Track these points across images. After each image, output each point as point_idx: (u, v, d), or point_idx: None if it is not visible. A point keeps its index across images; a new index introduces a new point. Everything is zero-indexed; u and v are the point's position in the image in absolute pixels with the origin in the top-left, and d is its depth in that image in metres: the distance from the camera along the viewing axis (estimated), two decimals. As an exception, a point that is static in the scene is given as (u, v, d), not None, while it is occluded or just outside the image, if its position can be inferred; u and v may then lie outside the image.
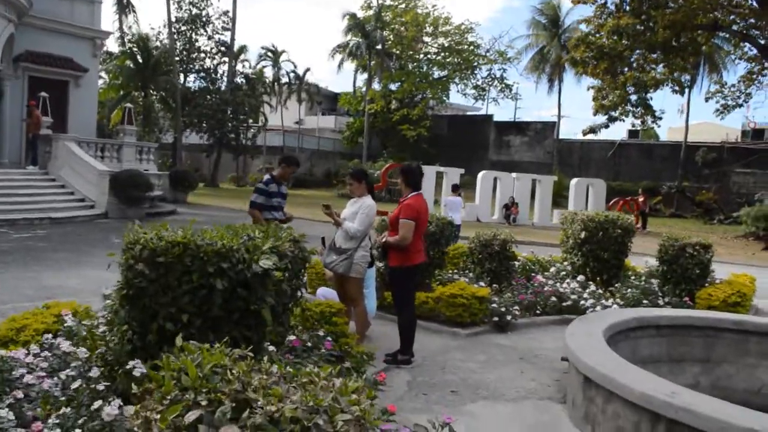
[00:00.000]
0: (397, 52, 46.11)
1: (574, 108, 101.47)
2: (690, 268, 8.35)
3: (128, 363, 3.11)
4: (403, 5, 44.70)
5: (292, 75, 45.90)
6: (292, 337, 4.82)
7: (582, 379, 4.55)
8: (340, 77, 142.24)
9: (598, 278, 8.60)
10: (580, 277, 8.47)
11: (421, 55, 46.88)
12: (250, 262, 3.25)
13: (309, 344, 5.04)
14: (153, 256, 3.17)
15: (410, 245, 6.01)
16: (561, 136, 44.31)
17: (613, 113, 28.03)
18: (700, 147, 39.86)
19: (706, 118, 67.34)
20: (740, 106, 29.75)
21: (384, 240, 6.18)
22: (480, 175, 25.86)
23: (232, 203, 26.81)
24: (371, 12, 45.66)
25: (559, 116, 43.03)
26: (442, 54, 46.00)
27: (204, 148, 39.93)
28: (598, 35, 22.99)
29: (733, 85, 29.84)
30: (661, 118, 30.49)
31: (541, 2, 41.85)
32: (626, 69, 23.35)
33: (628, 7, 22.52)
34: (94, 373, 3.49)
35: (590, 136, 34.12)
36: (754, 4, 23.56)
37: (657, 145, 43.54)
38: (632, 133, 45.35)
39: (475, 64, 45.33)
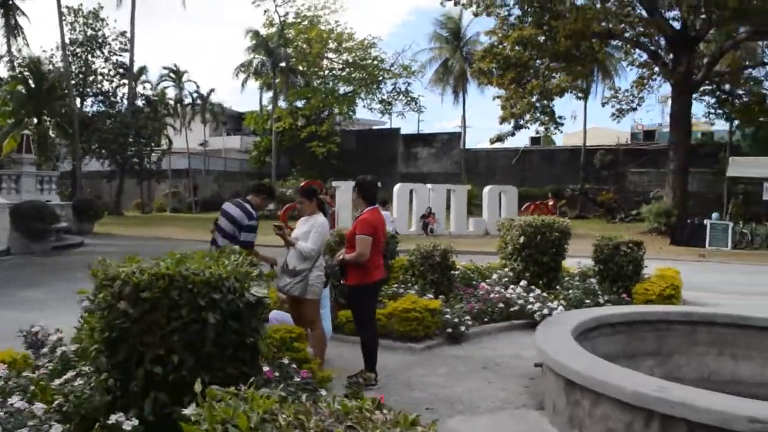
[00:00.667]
0: (303, 68, 45.88)
1: (478, 118, 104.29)
2: (625, 265, 8.64)
3: (109, 416, 2.80)
4: (306, 22, 44.55)
5: (195, 95, 44.70)
6: (266, 368, 4.54)
7: (563, 383, 4.53)
8: (244, 96, 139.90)
9: (539, 282, 8.72)
10: (523, 282, 8.56)
11: (326, 71, 46.87)
12: (242, 291, 3.00)
13: (277, 374, 4.77)
14: (136, 291, 2.86)
15: (368, 261, 5.83)
16: (467, 146, 45.31)
17: (520, 121, 29.03)
18: (598, 150, 41.80)
19: (597, 122, 70.64)
20: (634, 109, 31.51)
21: (341, 257, 5.99)
22: (396, 187, 26.00)
23: (142, 231, 25.73)
24: (274, 29, 45.26)
25: (464, 127, 44.01)
26: (347, 69, 46.13)
27: (105, 175, 38.17)
28: (502, 46, 23.71)
29: (627, 90, 31.55)
30: (562, 124, 31.93)
31: (442, 15, 42.76)
32: (531, 78, 24.16)
33: (530, 19, 23.35)
34: (57, 431, 3.11)
35: (496, 145, 35.15)
36: (644, 14, 25.02)
37: (557, 151, 45.27)
38: (534, 140, 47.09)
39: (380, 78, 45.72)
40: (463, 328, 7.26)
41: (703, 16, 24.23)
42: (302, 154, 44.88)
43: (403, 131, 48.54)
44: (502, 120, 30.68)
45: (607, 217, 35.81)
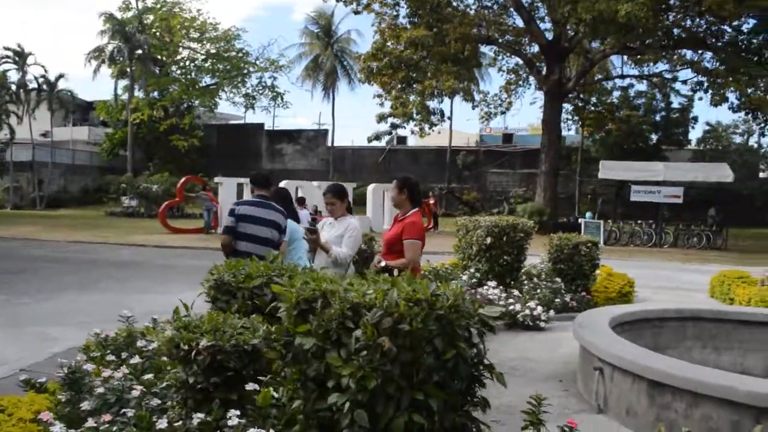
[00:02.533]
0: (162, 57, 43.45)
1: (345, 116, 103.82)
2: (584, 264, 9.02)
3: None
4: (166, 8, 42.24)
5: (41, 81, 40.73)
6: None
7: (646, 386, 4.60)
8: (95, 85, 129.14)
9: (504, 282, 8.86)
10: (492, 283, 8.65)
11: (188, 62, 44.77)
12: (474, 314, 2.70)
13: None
14: (397, 323, 2.47)
15: (414, 270, 5.53)
16: (335, 144, 45.30)
17: (410, 121, 29.58)
18: (460, 151, 43.57)
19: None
20: (503, 113, 33.08)
21: (383, 265, 5.64)
22: (281, 185, 25.33)
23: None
24: (131, 14, 42.48)
25: (333, 124, 43.95)
26: (210, 61, 44.36)
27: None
28: (393, 46, 23.94)
29: (495, 95, 33.01)
30: (436, 124, 32.90)
31: (314, 11, 42.43)
32: (422, 78, 24.62)
33: (418, 20, 23.77)
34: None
35: (363, 143, 35.52)
36: (519, 23, 26.38)
37: (423, 150, 46.42)
38: (400, 140, 48.08)
39: (246, 71, 44.43)
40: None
41: (570, 30, 26.06)
42: (161, 147, 42.59)
43: (268, 127, 47.62)
44: (381, 119, 31.04)
45: (471, 215, 37.33)
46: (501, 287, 8.54)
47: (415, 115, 26.81)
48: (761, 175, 39.66)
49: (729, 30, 23.31)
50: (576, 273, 9.03)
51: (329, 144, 44.35)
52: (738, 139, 42.40)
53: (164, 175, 33.72)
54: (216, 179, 25.72)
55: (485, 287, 8.43)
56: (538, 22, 27.34)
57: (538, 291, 8.58)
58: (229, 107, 49.27)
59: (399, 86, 25.54)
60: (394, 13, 24.46)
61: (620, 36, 20.65)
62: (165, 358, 3.55)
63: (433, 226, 27.75)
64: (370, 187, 26.77)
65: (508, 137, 46.62)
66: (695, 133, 43.30)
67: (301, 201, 15.37)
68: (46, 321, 8.31)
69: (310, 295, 2.70)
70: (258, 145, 45.78)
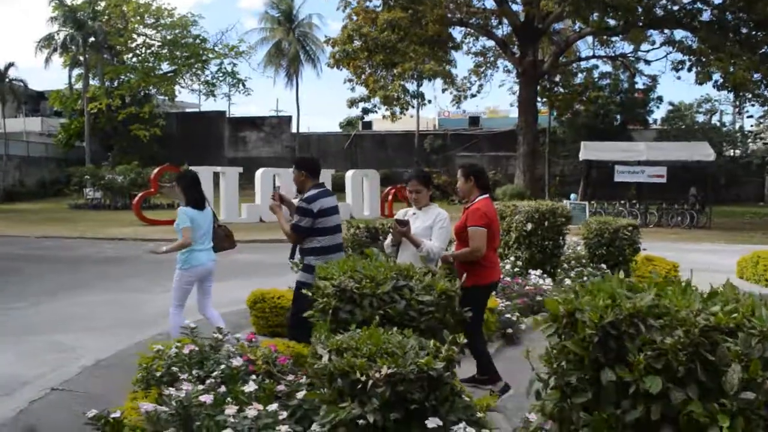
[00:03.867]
0: (117, 45, 41.73)
1: (309, 103, 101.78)
2: (625, 248, 8.70)
3: None
4: (119, -7, 40.59)
5: (-9, 70, 38.74)
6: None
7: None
8: (45, 74, 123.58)
9: (548, 270, 8.47)
10: (536, 272, 8.24)
11: (144, 49, 43.17)
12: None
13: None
14: None
15: (485, 259, 5.03)
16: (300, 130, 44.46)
17: (366, 105, 29.08)
18: (427, 135, 43.24)
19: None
20: (473, 96, 32.75)
21: (451, 256, 5.18)
22: (258, 172, 24.58)
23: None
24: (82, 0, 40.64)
25: (297, 110, 43.03)
26: (168, 47, 42.85)
27: None
28: (370, 28, 23.29)
29: (464, 78, 32.65)
30: (413, 107, 32.53)
31: (273, -5, 41.24)
32: (399, 61, 24.05)
33: (392, 2, 23.18)
34: None
35: (327, 129, 34.84)
36: (489, 5, 25.96)
37: (389, 135, 45.91)
38: (365, 125, 47.43)
39: (205, 57, 43.08)
40: (523, 327, 6.77)
41: (545, 10, 25.87)
42: (120, 137, 41.06)
43: (230, 114, 46.43)
44: (352, 104, 30.51)
45: (447, 199, 37.23)
46: (546, 276, 8.14)
47: (396, 98, 26.26)
48: (725, 153, 40.38)
49: (706, 8, 23.37)
50: (617, 257, 8.70)
51: (293, 131, 43.50)
52: (701, 118, 43.11)
53: (130, 165, 32.36)
54: (191, 169, 24.66)
55: (531, 276, 8.03)
56: (510, 3, 27.05)
57: (586, 279, 8.20)
58: (186, 95, 48.07)
59: (376, 70, 24.93)
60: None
61: (604, 15, 20.47)
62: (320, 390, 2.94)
63: (413, 211, 27.35)
64: (349, 173, 26.17)
65: (474, 120, 46.44)
66: (659, 113, 43.83)
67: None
68: (51, 328, 7.57)
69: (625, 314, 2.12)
70: (220, 132, 44.63)
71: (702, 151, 23.86)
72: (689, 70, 25.08)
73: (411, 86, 27.76)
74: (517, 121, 28.79)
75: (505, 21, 28.48)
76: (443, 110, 50.11)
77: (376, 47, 23.04)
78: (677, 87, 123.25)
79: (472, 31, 27.92)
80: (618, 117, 38.78)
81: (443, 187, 39.00)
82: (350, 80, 28.33)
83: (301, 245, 5.24)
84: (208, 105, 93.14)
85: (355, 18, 24.47)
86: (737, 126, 43.93)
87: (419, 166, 40.91)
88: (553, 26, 27.42)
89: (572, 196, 24.23)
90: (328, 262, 4.16)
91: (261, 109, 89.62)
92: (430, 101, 30.00)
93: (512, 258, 8.54)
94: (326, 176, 25.76)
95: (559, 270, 8.66)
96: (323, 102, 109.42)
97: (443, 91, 30.73)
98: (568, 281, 7.92)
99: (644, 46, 29.65)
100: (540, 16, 26.01)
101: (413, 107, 28.84)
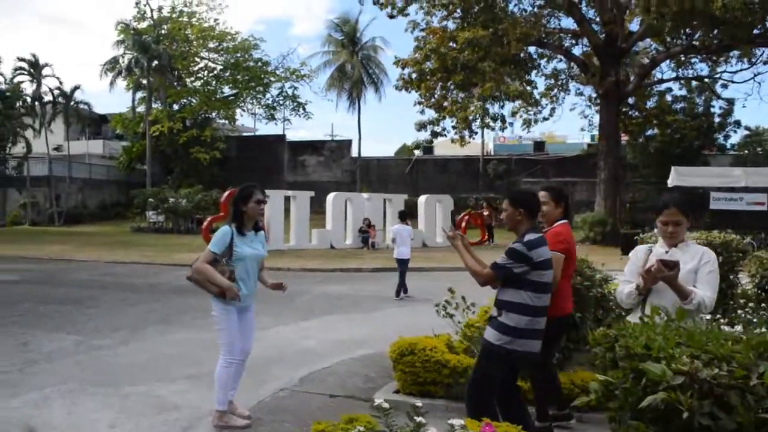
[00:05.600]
0: (180, 68, 41.81)
1: (368, 128, 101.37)
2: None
3: None
4: (186, 18, 40.71)
5: (57, 93, 39.06)
6: None
7: None
8: (105, 97, 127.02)
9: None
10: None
11: (206, 72, 43.20)
12: None
13: None
14: None
15: (558, 290, 4.50)
16: (361, 154, 43.73)
17: (436, 128, 28.12)
18: (491, 160, 42.02)
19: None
20: (546, 119, 31.37)
21: None
22: (330, 197, 23.66)
23: (23, 250, 21.19)
24: (146, 23, 40.92)
25: (359, 134, 42.57)
26: (230, 71, 42.78)
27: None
28: (450, 47, 22.26)
29: (535, 101, 31.28)
30: (475, 133, 31.33)
31: (337, 18, 40.80)
32: (478, 82, 22.93)
33: (472, 20, 22.14)
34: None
35: (387, 154, 33.83)
36: (566, 25, 24.71)
37: (451, 160, 44.83)
38: (427, 149, 46.42)
39: (266, 81, 42.83)
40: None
41: (632, 27, 24.55)
42: (180, 160, 40.93)
43: (289, 138, 46.02)
44: (420, 127, 29.54)
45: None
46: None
47: (477, 120, 25.13)
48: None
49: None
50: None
51: (353, 155, 42.79)
52: (781, 143, 40.75)
53: (193, 189, 31.93)
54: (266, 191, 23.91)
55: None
56: (589, 22, 25.76)
57: None
58: (242, 119, 47.84)
59: (450, 91, 23.90)
60: (444, 13, 22.74)
61: (708, 30, 18.98)
62: None
63: (488, 238, 26.03)
64: (422, 198, 25.04)
65: (539, 145, 44.94)
66: (735, 138, 41.54)
67: (403, 216, 13.39)
68: (148, 375, 6.54)
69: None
70: (279, 156, 44.24)
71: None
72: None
73: (497, 108, 26.53)
74: (598, 145, 27.27)
75: (582, 41, 27.19)
76: (499, 135, 48.88)
77: (455, 67, 21.96)
78: (753, 111, 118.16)
79: (548, 52, 26.64)
80: (694, 142, 36.89)
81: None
82: (420, 103, 27.34)
83: (498, 296, 4.11)
84: (264, 129, 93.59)
85: (430, 37, 23.49)
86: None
87: (508, 191, 39.82)
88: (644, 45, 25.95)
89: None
90: (614, 326, 2.99)
91: (314, 133, 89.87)
92: (511, 123, 28.61)
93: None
94: (399, 201, 24.75)
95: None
96: (381, 127, 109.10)
97: (513, 114, 29.35)
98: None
99: (730, 67, 28.02)
100: (623, 36, 24.64)
101: (493, 129, 27.68)
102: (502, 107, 26.18)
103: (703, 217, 23.47)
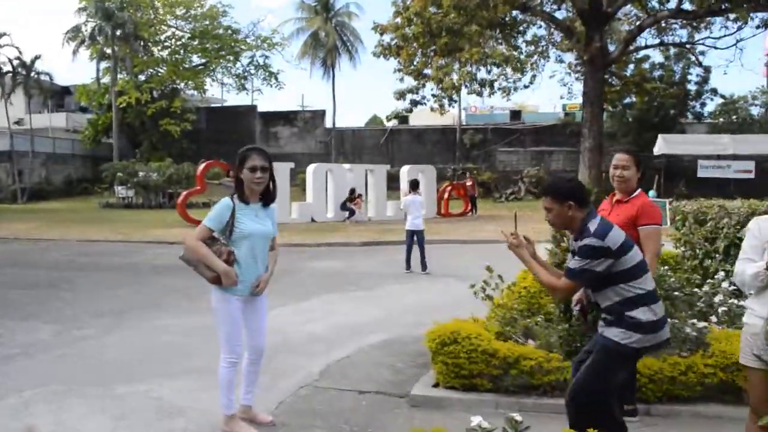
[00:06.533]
0: (147, 36, 40.15)
1: (346, 96, 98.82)
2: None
3: None
4: (150, -18, 39.05)
5: (16, 63, 37.19)
6: None
7: None
8: (72, 68, 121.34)
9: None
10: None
11: (174, 41, 41.58)
12: None
13: None
14: None
15: None
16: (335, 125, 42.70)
17: (414, 97, 27.40)
18: (467, 130, 41.40)
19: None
20: (526, 87, 30.67)
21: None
22: (310, 169, 22.81)
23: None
24: (112, -11, 39.14)
25: (334, 104, 41.25)
26: (198, 40, 41.22)
27: None
28: (434, 11, 21.34)
29: (521, 67, 30.52)
30: (455, 101, 30.63)
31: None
32: (465, 46, 22.08)
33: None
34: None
35: (362, 124, 32.98)
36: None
37: (427, 130, 44.07)
38: (402, 120, 45.53)
39: (238, 49, 41.39)
40: None
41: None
42: (149, 133, 39.49)
43: (261, 109, 44.73)
44: (400, 96, 28.77)
45: (493, 196, 35.45)
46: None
47: (465, 86, 24.30)
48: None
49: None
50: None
51: (327, 125, 41.77)
52: (755, 111, 40.81)
53: (165, 162, 30.75)
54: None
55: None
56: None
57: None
58: (212, 89, 46.44)
59: (431, 57, 23.03)
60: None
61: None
62: None
63: (471, 209, 25.50)
64: (404, 169, 24.24)
65: (516, 114, 44.41)
66: (711, 106, 41.50)
67: (414, 185, 12.61)
68: (143, 370, 5.77)
69: None
70: (251, 128, 43.02)
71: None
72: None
73: (485, 73, 25.75)
74: (582, 113, 26.73)
75: (565, 5, 26.44)
76: (471, 105, 48.31)
77: (441, 30, 21.06)
78: (732, 78, 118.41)
79: (528, 17, 25.82)
80: (670, 111, 36.70)
81: (487, 184, 37.15)
82: (399, 70, 26.47)
83: (600, 302, 3.45)
84: (234, 100, 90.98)
85: (409, 1, 22.54)
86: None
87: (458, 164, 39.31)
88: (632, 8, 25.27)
89: (650, 192, 22.22)
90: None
91: (287, 104, 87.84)
92: (501, 89, 27.72)
93: (721, 273, 6.64)
94: (381, 172, 24.02)
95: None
96: (354, 96, 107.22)
97: (491, 83, 28.45)
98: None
99: (712, 35, 27.61)
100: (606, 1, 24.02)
101: (480, 96, 26.96)
102: (489, 72, 25.36)
103: (680, 186, 23.26)
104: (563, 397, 3.62)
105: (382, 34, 25.47)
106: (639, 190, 4.38)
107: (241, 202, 4.15)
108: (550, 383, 4.64)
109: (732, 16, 23.47)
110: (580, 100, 36.67)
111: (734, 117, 39.24)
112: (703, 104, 38.70)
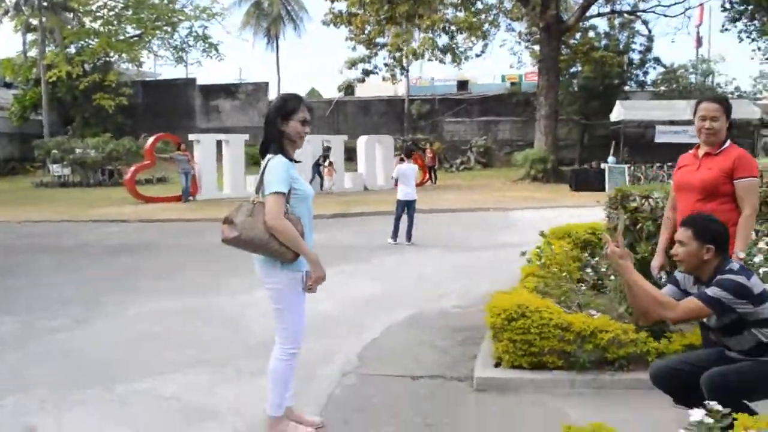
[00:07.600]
0: (76, 6, 37.74)
1: (290, 68, 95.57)
2: None
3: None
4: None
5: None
6: None
7: None
8: None
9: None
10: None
11: (106, 10, 39.22)
12: None
13: None
14: None
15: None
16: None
17: (366, 66, 26.60)
18: (414, 100, 40.87)
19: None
20: (478, 56, 30.32)
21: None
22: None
23: None
24: (34, -45, 36.49)
25: (278, 76, 39.95)
26: (132, 10, 38.99)
27: None
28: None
29: (483, 33, 30.04)
30: (407, 70, 29.96)
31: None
32: (424, 12, 21.38)
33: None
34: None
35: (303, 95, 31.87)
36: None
37: (374, 101, 43.33)
38: (348, 90, 44.56)
39: (175, 20, 39.40)
40: None
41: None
42: (81, 108, 37.33)
43: (202, 82, 42.90)
44: (352, 65, 27.95)
45: (444, 167, 35.13)
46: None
47: (427, 53, 23.61)
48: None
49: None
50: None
51: (270, 98, 40.45)
52: (693, 80, 41.73)
53: (103, 137, 29.02)
54: (191, 137, 21.73)
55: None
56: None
57: None
58: (148, 62, 44.29)
59: (384, 24, 22.28)
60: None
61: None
62: None
63: (430, 178, 25.02)
64: (362, 139, 23.51)
65: (462, 84, 44.11)
66: (653, 75, 42.20)
67: (409, 153, 11.77)
68: (130, 364, 4.98)
69: None
70: (190, 101, 41.35)
71: (745, 109, 22.05)
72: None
73: (447, 39, 25.09)
74: (538, 81, 26.50)
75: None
76: (414, 77, 47.84)
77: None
78: (667, 50, 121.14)
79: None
80: (615, 80, 37.10)
81: (437, 154, 36.82)
82: (351, 39, 25.62)
83: (735, 347, 3.02)
84: (171, 73, 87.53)
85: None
86: (733, 87, 42.68)
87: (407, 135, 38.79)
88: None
89: (610, 159, 22.24)
90: None
91: (230, 77, 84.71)
92: (467, 57, 27.14)
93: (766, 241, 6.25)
94: (338, 142, 23.26)
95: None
96: (299, 68, 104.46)
97: (444, 52, 27.86)
98: None
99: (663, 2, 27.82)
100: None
101: (443, 63, 26.40)
102: (451, 38, 24.74)
103: (622, 152, 23.30)
104: (640, 371, 3.45)
105: (333, 2, 24.54)
106: (729, 141, 3.91)
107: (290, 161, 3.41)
108: (627, 356, 4.13)
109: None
110: (529, 69, 36.71)
111: (674, 85, 40.10)
112: (645, 73, 39.33)
